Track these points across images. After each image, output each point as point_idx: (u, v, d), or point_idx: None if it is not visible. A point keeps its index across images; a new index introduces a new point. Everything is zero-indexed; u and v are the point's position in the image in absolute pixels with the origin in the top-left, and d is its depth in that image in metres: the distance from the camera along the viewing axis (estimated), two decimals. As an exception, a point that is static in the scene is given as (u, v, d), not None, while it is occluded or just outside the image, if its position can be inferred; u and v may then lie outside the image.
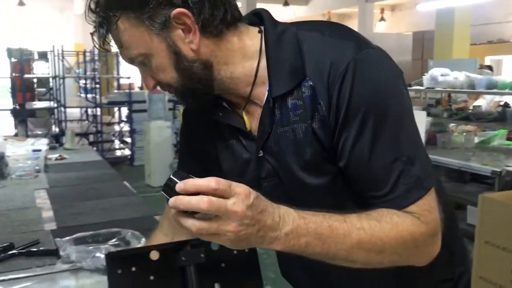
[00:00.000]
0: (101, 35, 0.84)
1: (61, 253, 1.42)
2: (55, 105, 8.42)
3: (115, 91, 9.00)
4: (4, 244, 1.50)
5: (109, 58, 9.43)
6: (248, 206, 0.68)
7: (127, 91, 7.94)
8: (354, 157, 0.81)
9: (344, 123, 0.80)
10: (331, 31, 0.86)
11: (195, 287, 0.74)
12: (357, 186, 0.84)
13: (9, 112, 9.02)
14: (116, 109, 9.32)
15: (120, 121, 9.48)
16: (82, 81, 10.63)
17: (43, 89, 10.24)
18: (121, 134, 8.89)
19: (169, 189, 0.67)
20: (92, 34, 0.86)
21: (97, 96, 8.27)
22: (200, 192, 0.66)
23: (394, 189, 0.80)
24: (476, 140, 4.53)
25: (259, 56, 0.87)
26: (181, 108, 6.65)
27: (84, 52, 9.45)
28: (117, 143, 8.82)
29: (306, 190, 0.87)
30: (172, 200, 0.67)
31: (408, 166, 0.79)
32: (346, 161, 0.82)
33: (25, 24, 15.43)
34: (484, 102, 5.52)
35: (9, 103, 9.15)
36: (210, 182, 0.66)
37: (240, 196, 0.68)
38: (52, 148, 3.65)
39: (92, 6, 0.84)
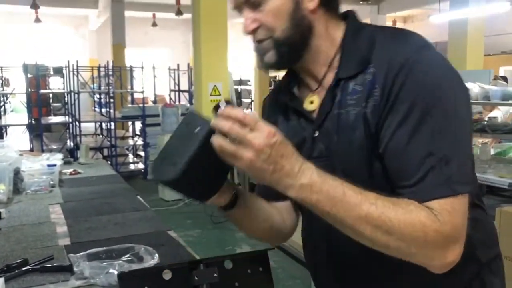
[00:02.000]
0: None
1: (75, 269, 1.42)
2: (70, 119, 8.51)
3: (129, 105, 9.07)
4: (19, 260, 1.50)
5: (123, 72, 9.54)
6: (268, 144, 0.76)
7: (140, 105, 8.00)
8: (392, 143, 0.85)
9: (391, 108, 0.85)
10: (404, 32, 0.93)
11: None
12: (390, 175, 0.87)
13: (24, 127, 9.14)
14: (130, 123, 9.39)
15: (134, 135, 9.55)
16: (97, 96, 10.74)
17: (58, 104, 10.38)
18: (135, 148, 8.95)
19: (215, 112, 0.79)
20: None
21: (111, 111, 8.35)
22: (234, 119, 0.76)
23: (421, 181, 0.81)
24: (492, 151, 4.47)
25: (339, 45, 0.96)
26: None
27: (99, 68, 9.58)
28: (131, 157, 8.88)
29: (350, 172, 0.90)
30: (212, 121, 0.78)
31: (441, 164, 0.81)
32: (384, 146, 0.86)
33: (41, 40, 15.70)
34: (499, 114, 5.46)
35: (24, 118, 9.27)
36: (239, 112, 0.76)
37: (263, 133, 0.76)
38: (66, 163, 3.68)
39: None
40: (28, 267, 1.48)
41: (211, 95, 6.16)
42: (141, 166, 8.20)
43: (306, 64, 0.98)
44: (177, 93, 9.72)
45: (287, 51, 0.93)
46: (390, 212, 0.79)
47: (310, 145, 0.98)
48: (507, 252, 1.65)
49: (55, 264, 1.51)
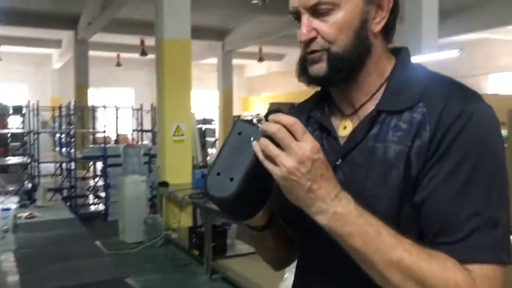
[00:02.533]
0: None
1: (25, 321, 1.38)
2: (29, 160, 8.30)
3: (90, 145, 8.95)
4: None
5: (85, 112, 9.44)
6: (311, 158, 0.73)
7: (102, 145, 7.90)
8: (436, 195, 0.78)
9: (440, 157, 0.79)
10: (460, 82, 0.88)
11: None
12: (425, 225, 0.81)
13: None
14: (91, 163, 9.23)
15: (95, 175, 9.38)
16: (57, 136, 10.54)
17: (17, 144, 10.12)
18: (95, 189, 8.77)
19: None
20: None
21: (72, 151, 8.20)
22: (282, 125, 0.74)
23: (464, 240, 0.76)
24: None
25: (386, 78, 0.91)
26: (157, 162, 6.66)
27: (60, 107, 9.45)
28: (91, 198, 8.68)
29: (368, 211, 0.82)
30: (264, 124, 0.76)
31: (488, 226, 0.76)
32: (426, 196, 0.79)
33: (1, 79, 15.41)
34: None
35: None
36: (290, 119, 0.74)
37: (308, 145, 0.73)
38: (22, 206, 3.58)
39: None
40: (-25, 320, 1.42)
41: (174, 135, 6.16)
42: (101, 207, 8.02)
43: (348, 88, 0.92)
44: (140, 133, 9.67)
45: (341, 68, 0.87)
46: (424, 263, 0.73)
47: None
48: None
49: (4, 316, 1.46)
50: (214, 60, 13.93)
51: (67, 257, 2.23)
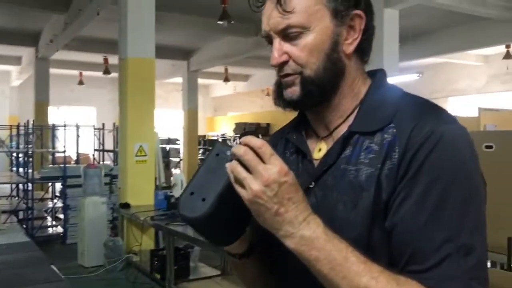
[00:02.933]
0: None
1: None
2: (-17, 180, 7.97)
3: (50, 165, 8.68)
4: None
5: (44, 131, 9.18)
6: (277, 181, 0.72)
7: (61, 165, 7.68)
8: (406, 221, 0.76)
9: (410, 181, 0.77)
10: (433, 103, 0.87)
11: None
12: (396, 252, 0.79)
13: None
14: (49, 184, 8.95)
15: (54, 196, 9.08)
16: (15, 155, 10.20)
17: (-29, 164, 9.72)
18: (54, 211, 8.48)
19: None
20: None
21: (30, 171, 7.93)
22: (250, 147, 0.74)
23: (434, 268, 0.74)
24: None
25: (360, 100, 0.90)
26: (118, 182, 6.50)
27: (18, 126, 9.16)
28: (49, 220, 8.38)
29: (339, 235, 0.79)
30: (234, 146, 0.75)
31: (460, 254, 0.73)
32: (396, 222, 0.78)
33: (-44, 96, 14.87)
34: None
35: None
36: (257, 141, 0.74)
37: (275, 168, 0.73)
38: (-26, 230, 3.41)
39: None
40: None
41: (136, 155, 6.04)
42: (60, 229, 7.75)
43: (323, 111, 0.91)
44: (101, 152, 9.46)
45: (314, 91, 0.86)
46: None
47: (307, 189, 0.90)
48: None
49: None
50: (179, 80, 13.88)
51: (21, 283, 2.12)
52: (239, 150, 0.74)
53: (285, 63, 0.87)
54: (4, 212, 6.58)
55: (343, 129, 0.89)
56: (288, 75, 0.88)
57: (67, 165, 7.63)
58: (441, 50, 10.01)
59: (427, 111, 0.84)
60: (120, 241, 5.87)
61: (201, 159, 14.46)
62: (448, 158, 0.77)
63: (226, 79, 13.79)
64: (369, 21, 0.89)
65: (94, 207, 6.10)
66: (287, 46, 0.86)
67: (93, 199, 6.16)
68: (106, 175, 7.03)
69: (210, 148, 0.83)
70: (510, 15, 7.67)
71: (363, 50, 0.91)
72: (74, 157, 9.53)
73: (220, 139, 15.87)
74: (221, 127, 17.40)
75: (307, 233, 0.73)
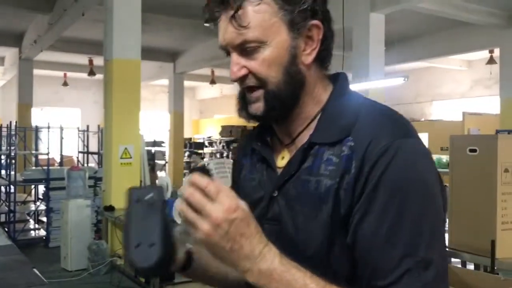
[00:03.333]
0: (231, 11, 0.83)
1: None
2: (-36, 182, 7.84)
3: (33, 167, 8.55)
4: None
5: (28, 133, 9.05)
6: (226, 220, 0.71)
7: (45, 167, 7.58)
8: (365, 237, 0.78)
9: (367, 197, 0.78)
10: (392, 113, 0.87)
11: None
12: (359, 268, 0.80)
13: None
14: (33, 186, 8.82)
15: (37, 199, 8.96)
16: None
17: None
18: (36, 214, 8.37)
19: None
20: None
21: (12, 173, 7.81)
22: (197, 187, 0.73)
23: (395, 284, 0.75)
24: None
25: (322, 107, 0.90)
26: (102, 185, 6.43)
27: (0, 127, 9.03)
28: (32, 223, 8.27)
29: (303, 246, 0.84)
30: (182, 188, 0.75)
31: (419, 268, 0.74)
32: (355, 239, 0.79)
33: None
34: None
35: None
36: (202, 181, 0.72)
37: (223, 206, 0.71)
38: (-46, 233, 3.34)
39: None
40: None
41: (121, 157, 5.99)
42: (42, 233, 7.64)
43: (285, 120, 0.92)
44: (85, 155, 9.37)
45: (277, 106, 0.86)
46: None
47: (266, 204, 0.91)
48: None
49: None
50: (165, 81, 13.81)
51: (4, 286, 2.08)
52: (186, 192, 0.73)
53: (245, 76, 0.87)
54: (-15, 214, 6.48)
55: (305, 136, 0.89)
56: (251, 88, 0.88)
57: (50, 167, 7.53)
58: (426, 54, 10.13)
59: (384, 123, 0.83)
60: (104, 244, 5.81)
61: (187, 161, 14.39)
62: (403, 175, 0.77)
63: (213, 82, 13.76)
64: (327, 30, 0.89)
65: (78, 210, 6.02)
66: (245, 60, 0.86)
67: (77, 202, 6.09)
68: (90, 177, 6.96)
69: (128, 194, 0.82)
70: (493, 21, 7.78)
71: (323, 59, 0.90)
72: (58, 159, 9.42)
73: (206, 142, 15.82)
74: (207, 129, 17.35)
75: (264, 266, 0.73)
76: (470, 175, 2.94)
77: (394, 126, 0.83)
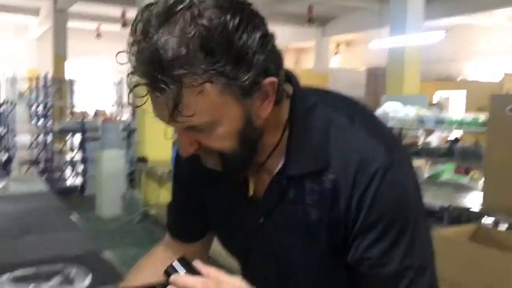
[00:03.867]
0: (168, 99, 0.69)
1: (-3, 294, 1.33)
2: (4, 131, 8.11)
3: (68, 119, 8.76)
4: None
5: (63, 84, 9.23)
6: None
7: (80, 119, 7.75)
8: (367, 260, 0.78)
9: (363, 226, 0.77)
10: (360, 118, 0.81)
11: None
12: (360, 286, 0.82)
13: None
14: (68, 137, 9.07)
15: (72, 149, 9.22)
16: (34, 108, 10.31)
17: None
18: (72, 163, 8.63)
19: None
20: (131, 90, 0.74)
21: (49, 124, 8.03)
22: None
23: None
24: (426, 174, 4.65)
25: (284, 127, 0.81)
26: (135, 137, 6.56)
27: (37, 78, 9.21)
28: (68, 172, 8.55)
29: (301, 275, 0.86)
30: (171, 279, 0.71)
31: (419, 275, 0.78)
32: (358, 261, 0.79)
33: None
34: (435, 138, 5.71)
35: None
36: (197, 284, 0.69)
37: None
38: (-4, 178, 3.49)
39: (166, 57, 0.67)
40: None
41: (154, 110, 6.04)
42: (78, 181, 7.91)
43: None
44: (119, 107, 9.52)
45: (234, 163, 0.79)
46: None
47: (251, 232, 0.88)
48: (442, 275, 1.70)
49: (-26, 289, 1.41)
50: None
51: (41, 229, 2.17)
52: None
53: (198, 150, 0.78)
54: (25, 162, 6.73)
55: (272, 163, 0.83)
56: (207, 157, 0.80)
57: (85, 120, 7.70)
58: (469, 8, 9.65)
59: (362, 143, 0.78)
60: (137, 194, 5.98)
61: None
62: (394, 200, 0.77)
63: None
64: (281, 76, 0.77)
65: (112, 160, 6.19)
66: (195, 135, 0.76)
67: (111, 153, 6.25)
68: (124, 129, 7.10)
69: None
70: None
71: (280, 96, 0.79)
72: (92, 112, 9.62)
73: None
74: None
75: None
76: (508, 135, 2.87)
77: (371, 144, 0.78)
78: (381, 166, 0.75)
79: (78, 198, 7.24)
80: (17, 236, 2.05)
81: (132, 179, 6.92)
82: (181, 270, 0.70)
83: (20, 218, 2.41)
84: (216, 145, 0.76)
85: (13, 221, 2.34)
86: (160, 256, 1.06)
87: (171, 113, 0.70)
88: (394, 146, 0.80)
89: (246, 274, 0.89)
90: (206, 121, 0.72)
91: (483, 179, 3.51)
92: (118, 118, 8.81)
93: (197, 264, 0.72)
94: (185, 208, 1.03)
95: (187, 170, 0.97)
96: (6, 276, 1.39)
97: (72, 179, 8.25)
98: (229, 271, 0.76)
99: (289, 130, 0.81)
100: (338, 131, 0.79)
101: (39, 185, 3.50)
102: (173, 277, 0.70)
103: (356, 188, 0.76)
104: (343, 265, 0.81)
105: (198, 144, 0.77)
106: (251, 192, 0.87)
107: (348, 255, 0.80)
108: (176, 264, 0.70)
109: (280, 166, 0.83)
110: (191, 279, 0.69)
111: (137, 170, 6.41)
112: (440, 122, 4.52)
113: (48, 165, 7.75)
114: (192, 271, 0.71)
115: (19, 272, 1.42)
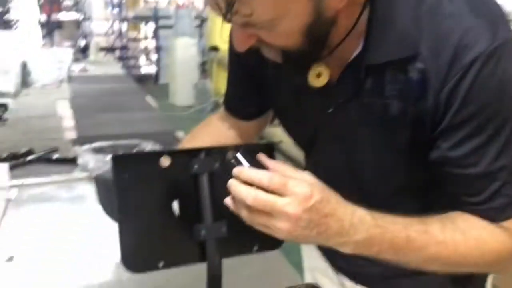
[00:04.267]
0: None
1: (79, 161, 1.41)
2: (82, 17, 8.31)
3: (141, 6, 8.80)
4: (24, 150, 1.50)
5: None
6: (306, 210, 0.61)
7: (153, 7, 7.75)
8: (455, 159, 0.69)
9: (454, 121, 0.67)
10: (459, 10, 0.66)
11: (207, 197, 0.69)
12: (447, 186, 0.73)
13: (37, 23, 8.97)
14: (142, 25, 9.17)
15: (146, 37, 9.36)
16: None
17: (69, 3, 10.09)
18: (146, 51, 8.81)
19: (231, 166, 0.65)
20: None
21: (123, 11, 8.11)
22: (257, 186, 0.61)
23: (493, 199, 0.70)
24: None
25: (364, 4, 0.67)
26: (207, 24, 6.49)
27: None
28: (143, 60, 8.77)
29: (369, 175, 0.80)
30: (229, 183, 0.64)
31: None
32: (443, 160, 0.70)
33: None
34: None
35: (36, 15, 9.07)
36: (262, 178, 0.61)
37: (298, 197, 0.61)
38: (76, 60, 3.62)
39: None
40: (33, 157, 1.47)
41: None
42: (152, 69, 8.12)
43: None
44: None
45: (298, 60, 0.71)
46: (462, 249, 0.69)
47: (319, 123, 0.81)
48: None
49: (59, 156, 1.51)
50: None
51: (119, 108, 2.27)
52: (246, 198, 0.62)
53: (256, 45, 0.68)
54: (102, 49, 6.93)
55: (346, 47, 0.70)
56: (268, 53, 0.70)
57: (158, 7, 7.69)
58: None
59: (462, 25, 0.64)
60: (209, 84, 6.06)
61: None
62: (494, 91, 0.65)
63: None
64: None
65: (184, 48, 6.23)
66: (253, 30, 0.65)
67: (183, 41, 6.27)
68: (196, 17, 7.04)
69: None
70: None
71: None
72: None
73: None
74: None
75: (359, 237, 0.65)
76: None
77: (473, 26, 0.64)
78: (482, 52, 0.63)
79: (152, 85, 7.48)
80: (97, 112, 2.15)
81: (204, 69, 6.99)
82: (245, 163, 0.65)
83: (99, 97, 2.52)
84: (278, 43, 0.67)
85: (93, 99, 2.45)
86: (216, 128, 1.04)
87: (226, 8, 0.60)
88: (502, 28, 0.66)
89: (310, 167, 0.84)
90: (267, 20, 0.62)
91: None
92: (190, 6, 8.72)
93: (262, 157, 0.67)
94: (241, 84, 0.97)
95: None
96: (86, 146, 1.46)
97: (146, 67, 8.48)
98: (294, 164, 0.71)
99: (370, 8, 0.68)
100: (433, 11, 0.66)
101: (116, 68, 3.61)
102: (237, 169, 0.65)
103: (449, 78, 0.65)
104: (420, 163, 0.73)
105: (257, 41, 0.68)
106: (316, 82, 0.76)
107: (431, 153, 0.71)
108: (240, 156, 0.65)
109: (357, 52, 0.71)
110: (257, 173, 0.63)
111: (209, 59, 6.43)
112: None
113: (123, 53, 7.96)
114: (256, 164, 0.66)
115: (98, 144, 1.49)
